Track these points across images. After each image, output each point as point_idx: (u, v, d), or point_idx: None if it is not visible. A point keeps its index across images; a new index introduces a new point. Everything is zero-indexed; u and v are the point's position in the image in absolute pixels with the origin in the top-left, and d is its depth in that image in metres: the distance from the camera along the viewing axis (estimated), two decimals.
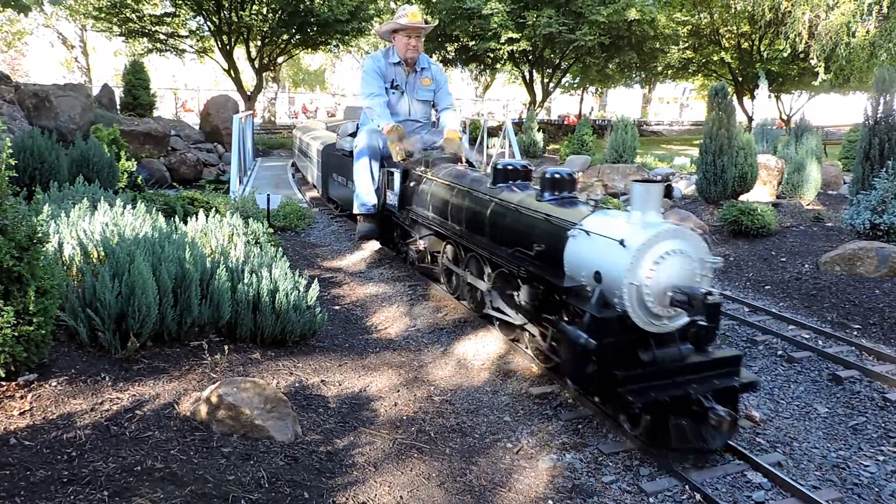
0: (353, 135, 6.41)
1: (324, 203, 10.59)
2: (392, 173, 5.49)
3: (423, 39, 5.56)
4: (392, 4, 25.26)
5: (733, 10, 21.78)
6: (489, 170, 4.35)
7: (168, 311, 3.17)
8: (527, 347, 3.82)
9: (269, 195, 7.55)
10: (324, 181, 8.82)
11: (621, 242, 2.82)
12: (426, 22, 5.85)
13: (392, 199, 5.51)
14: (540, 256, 3.40)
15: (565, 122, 32.54)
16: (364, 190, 5.67)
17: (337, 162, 7.45)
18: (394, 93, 5.63)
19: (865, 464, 2.95)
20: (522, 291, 3.58)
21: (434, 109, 5.98)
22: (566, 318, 3.14)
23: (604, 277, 2.90)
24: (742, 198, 8.85)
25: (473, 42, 23.15)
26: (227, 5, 21.50)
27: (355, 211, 5.84)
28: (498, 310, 4.01)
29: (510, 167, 4.10)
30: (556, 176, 3.63)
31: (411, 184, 5.33)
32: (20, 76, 28.39)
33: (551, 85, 27.92)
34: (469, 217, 4.31)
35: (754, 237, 7.42)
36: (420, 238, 5.27)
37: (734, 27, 24.73)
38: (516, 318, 3.79)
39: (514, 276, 3.70)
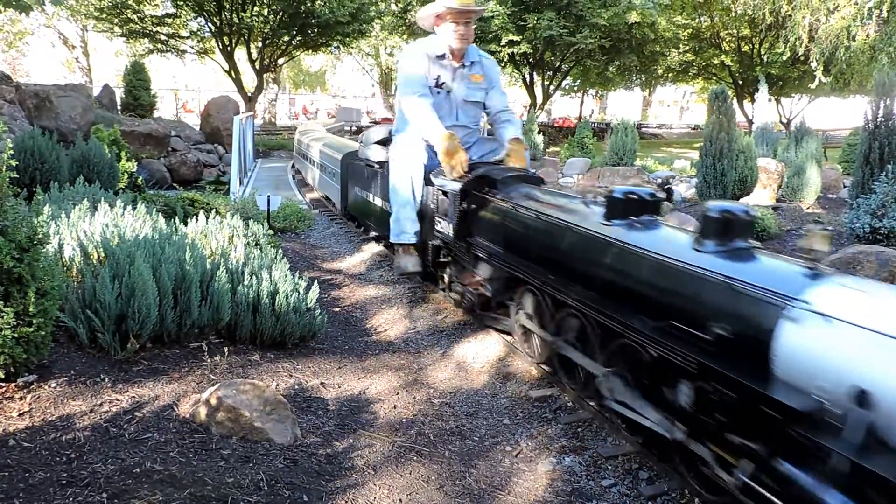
0: (383, 143, 5.39)
1: (324, 205, 10.58)
2: (445, 194, 4.23)
3: (473, 26, 4.45)
4: (393, 6, 25.27)
5: (733, 14, 21.80)
6: (592, 195, 3.35)
7: (168, 312, 3.17)
8: (689, 474, 2.48)
9: (269, 196, 7.56)
10: (344, 196, 7.54)
11: None
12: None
13: (444, 226, 4.27)
14: (722, 343, 2.20)
15: (554, 125, 32.57)
16: (404, 214, 4.54)
17: (361, 174, 6.32)
18: (438, 92, 4.50)
19: None
20: (683, 390, 2.40)
21: (484, 113, 4.88)
22: (780, 451, 1.99)
23: (876, 402, 1.71)
24: (742, 201, 8.86)
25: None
26: (228, 6, 21.53)
27: (392, 239, 4.68)
28: (625, 405, 2.73)
29: (634, 196, 2.89)
30: (727, 214, 2.40)
31: (472, 208, 4.03)
32: (21, 76, 28.42)
33: (552, 87, 27.96)
34: (569, 262, 3.08)
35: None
36: (484, 279, 4.00)
37: (734, 30, 24.77)
38: (666, 428, 2.49)
39: (659, 362, 2.52)
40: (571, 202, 3.40)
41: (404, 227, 4.57)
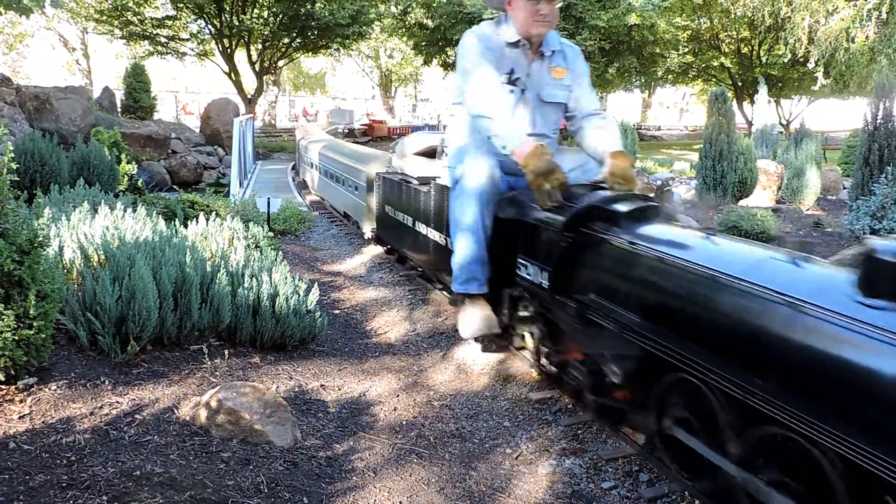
0: (429, 154, 4.53)
1: (323, 206, 10.58)
2: (535, 228, 3.03)
3: (559, 4, 3.37)
4: (393, 9, 25.32)
5: (733, 16, 21.86)
6: (842, 255, 2.35)
7: (168, 315, 3.18)
8: None
9: (269, 199, 7.57)
10: (370, 215, 6.31)
11: None
12: None
13: (534, 272, 3.05)
14: None
15: None
16: (471, 254, 3.30)
17: (396, 193, 5.04)
18: (511, 91, 3.37)
19: None
20: None
21: (565, 117, 3.66)
22: None
23: None
24: (742, 203, 8.86)
25: None
26: (228, 9, 21.56)
27: (456, 288, 3.44)
28: None
29: None
30: None
31: (581, 251, 2.82)
32: (21, 79, 28.44)
33: None
34: (801, 364, 1.83)
35: None
36: (600, 354, 2.75)
37: (734, 32, 24.83)
38: None
39: None
40: (771, 255, 2.18)
41: (473, 272, 3.33)
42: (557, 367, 3.18)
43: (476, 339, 3.78)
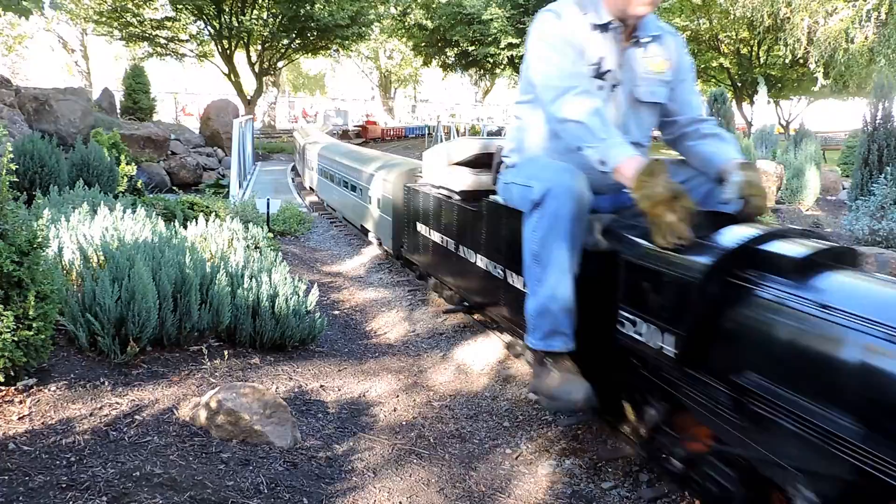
0: (475, 164, 3.74)
1: (324, 207, 10.54)
2: (654, 275, 2.16)
3: None
4: (392, 10, 25.35)
5: (732, 16, 21.87)
6: None
7: (168, 316, 3.18)
8: None
9: (268, 200, 7.58)
10: (398, 232, 5.40)
11: None
12: None
13: (648, 333, 2.18)
14: None
15: None
16: (555, 299, 2.49)
17: (434, 209, 4.23)
18: (600, 87, 2.57)
19: None
20: None
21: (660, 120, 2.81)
22: None
23: None
24: None
25: (473, 47, 23.26)
26: (227, 10, 21.57)
27: (533, 343, 2.59)
28: None
29: None
30: None
31: (731, 312, 1.94)
32: (21, 80, 28.44)
33: None
34: None
35: None
36: (785, 468, 1.76)
37: (733, 33, 24.86)
38: None
39: None
40: None
41: (557, 324, 2.48)
42: (684, 464, 2.27)
43: (561, 413, 3.08)
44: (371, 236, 6.86)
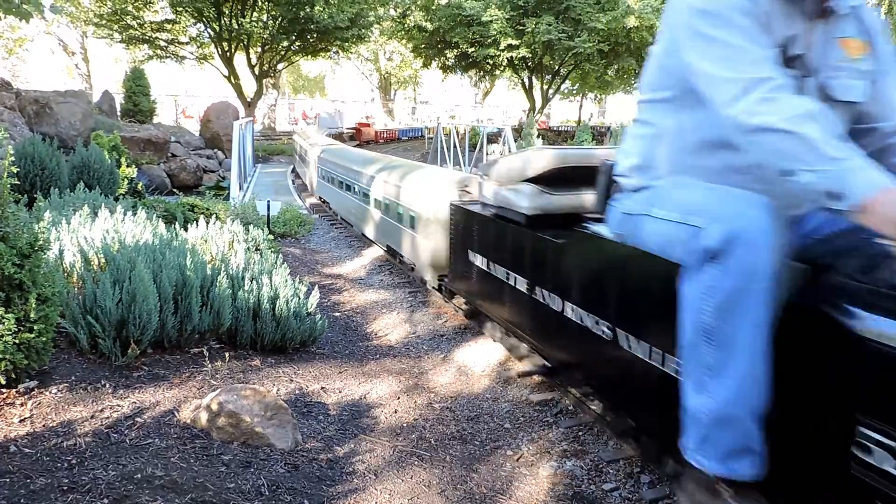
0: (553, 180, 3.02)
1: (324, 209, 10.54)
2: None
3: None
4: (392, 11, 25.38)
5: None
6: None
7: (168, 318, 3.18)
8: None
9: (269, 202, 7.58)
10: (461, 274, 4.10)
11: None
12: None
13: None
14: None
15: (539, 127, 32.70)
16: (740, 402, 1.60)
17: (495, 237, 3.51)
18: (791, 73, 1.69)
19: None
20: None
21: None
22: None
23: None
24: None
25: (473, 48, 23.28)
26: (227, 12, 21.61)
27: (703, 461, 1.65)
28: None
29: None
30: None
31: None
32: (21, 83, 28.48)
33: (551, 91, 28.08)
34: None
35: None
36: None
37: None
38: None
39: None
40: None
41: (745, 438, 1.63)
42: None
43: None
44: (406, 259, 5.82)
